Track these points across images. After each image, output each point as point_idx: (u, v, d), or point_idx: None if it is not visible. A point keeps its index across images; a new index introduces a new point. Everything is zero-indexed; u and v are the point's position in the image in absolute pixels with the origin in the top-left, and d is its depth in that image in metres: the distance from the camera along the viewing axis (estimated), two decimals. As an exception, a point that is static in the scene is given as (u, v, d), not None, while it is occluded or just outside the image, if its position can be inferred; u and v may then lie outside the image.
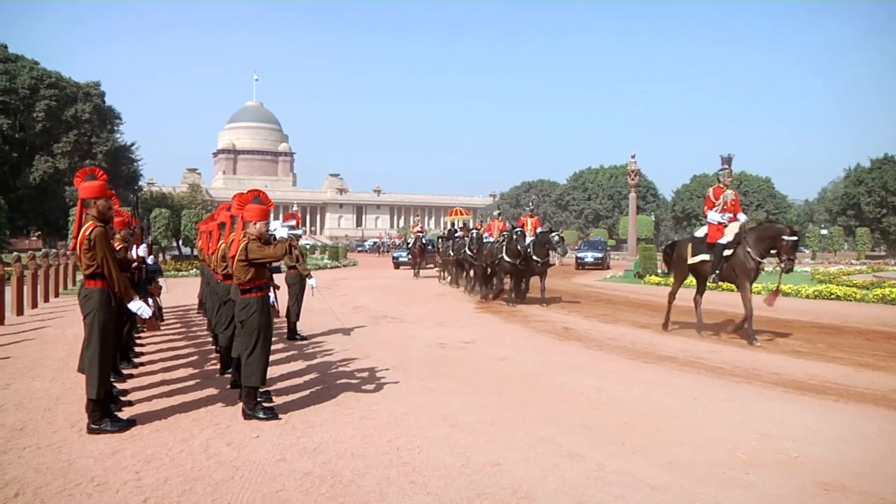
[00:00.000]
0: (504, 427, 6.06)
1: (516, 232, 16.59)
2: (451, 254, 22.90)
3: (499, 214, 22.90)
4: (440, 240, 27.20)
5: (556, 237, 16.65)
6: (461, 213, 32.66)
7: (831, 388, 7.74)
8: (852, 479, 4.81)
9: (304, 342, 10.78)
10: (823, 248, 61.10)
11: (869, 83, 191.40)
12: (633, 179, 33.37)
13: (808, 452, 5.42)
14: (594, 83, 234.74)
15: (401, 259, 37.91)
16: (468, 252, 19.73)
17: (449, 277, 24.75)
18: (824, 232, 61.83)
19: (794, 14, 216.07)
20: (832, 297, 18.34)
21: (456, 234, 24.32)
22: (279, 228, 6.48)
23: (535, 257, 16.91)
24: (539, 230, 17.54)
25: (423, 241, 30.22)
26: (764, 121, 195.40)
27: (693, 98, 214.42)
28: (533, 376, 8.39)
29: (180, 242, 40.28)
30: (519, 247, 16.35)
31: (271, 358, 7.14)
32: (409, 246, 30.48)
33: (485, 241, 19.30)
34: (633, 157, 33.51)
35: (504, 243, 17.05)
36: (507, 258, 16.80)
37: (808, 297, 18.61)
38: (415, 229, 31.63)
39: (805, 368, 8.80)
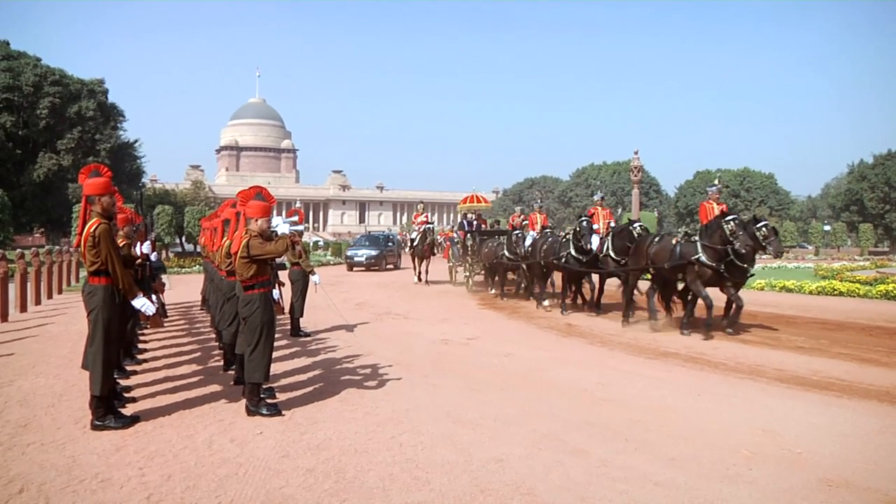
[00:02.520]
0: (507, 423, 6.06)
1: (581, 224, 13.91)
2: (468, 252, 20.26)
3: (540, 207, 19.34)
4: (461, 234, 22.38)
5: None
6: (479, 201, 24.41)
7: (835, 384, 7.73)
8: (856, 476, 4.81)
9: (308, 339, 10.79)
10: (826, 244, 60.93)
11: (872, 79, 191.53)
12: (635, 175, 33.23)
13: (811, 448, 5.42)
14: (597, 80, 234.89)
15: (356, 258, 31.43)
16: (510, 252, 16.68)
17: (481, 282, 20.41)
18: (827, 228, 61.65)
19: (796, 11, 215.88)
20: (835, 293, 18.28)
21: (475, 228, 21.52)
22: (281, 225, 6.49)
23: (612, 255, 13.69)
24: (610, 223, 15.10)
25: (432, 234, 23.91)
26: (767, 117, 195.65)
27: (696, 94, 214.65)
28: (536, 373, 8.39)
29: (183, 239, 40.33)
30: (585, 243, 13.69)
31: (275, 354, 7.15)
32: (413, 243, 23.61)
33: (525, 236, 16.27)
34: (635, 153, 33.31)
35: (568, 239, 14.35)
36: (575, 255, 13.96)
37: (811, 293, 18.57)
38: (418, 219, 24.63)
39: (808, 364, 8.78)
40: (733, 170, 79.41)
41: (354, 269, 31.07)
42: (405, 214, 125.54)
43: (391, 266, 32.59)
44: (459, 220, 24.40)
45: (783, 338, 10.95)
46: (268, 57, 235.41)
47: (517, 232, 16.55)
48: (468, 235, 20.94)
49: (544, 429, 5.89)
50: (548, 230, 16.28)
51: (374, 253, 31.51)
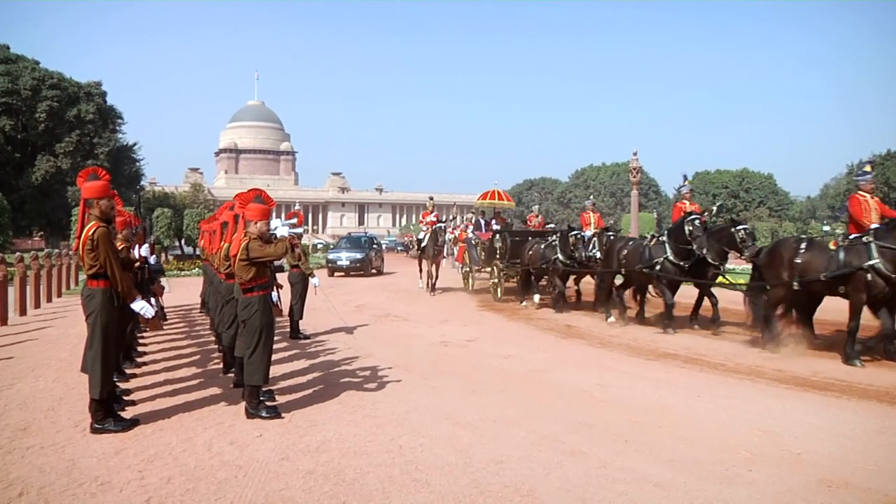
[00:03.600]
0: (507, 425, 6.06)
1: (694, 224, 11.34)
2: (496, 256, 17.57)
3: (593, 204, 17.55)
4: (481, 235, 19.50)
5: (743, 231, 10.99)
6: (501, 198, 20.91)
7: (834, 384, 7.73)
8: (855, 476, 4.81)
9: (307, 341, 10.79)
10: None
11: (871, 79, 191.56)
12: (634, 177, 33.16)
13: (810, 449, 5.42)
14: (596, 81, 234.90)
15: (338, 262, 28.34)
16: (565, 256, 14.47)
17: (527, 294, 16.77)
18: (826, 228, 61.60)
19: (796, 12, 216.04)
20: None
21: (506, 226, 19.71)
22: (280, 227, 6.49)
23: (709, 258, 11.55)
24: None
25: (444, 234, 20.30)
26: (766, 117, 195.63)
27: (695, 95, 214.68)
28: (535, 374, 8.39)
29: (182, 242, 40.31)
30: (698, 246, 11.19)
31: (274, 357, 7.16)
32: (421, 244, 20.34)
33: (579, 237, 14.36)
34: (634, 154, 33.21)
35: (662, 241, 12.04)
36: (673, 260, 11.71)
37: None
38: (427, 218, 20.94)
39: (808, 365, 8.79)
40: (732, 170, 79.51)
41: (335, 273, 27.90)
42: (404, 216, 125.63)
43: (374, 271, 29.75)
44: (475, 218, 21.63)
45: (781, 338, 10.89)
46: (266, 59, 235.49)
47: (577, 233, 14.30)
48: (496, 237, 17.77)
49: (544, 430, 5.89)
50: (610, 232, 14.32)
51: (357, 256, 28.63)
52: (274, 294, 6.99)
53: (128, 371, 8.12)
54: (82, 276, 7.27)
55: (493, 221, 20.02)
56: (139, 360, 8.94)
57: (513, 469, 4.91)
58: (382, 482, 4.66)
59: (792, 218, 71.99)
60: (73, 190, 43.49)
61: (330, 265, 28.47)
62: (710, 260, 11.44)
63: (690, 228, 11.28)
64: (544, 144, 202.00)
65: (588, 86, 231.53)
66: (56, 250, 29.16)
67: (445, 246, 21.32)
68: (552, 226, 22.07)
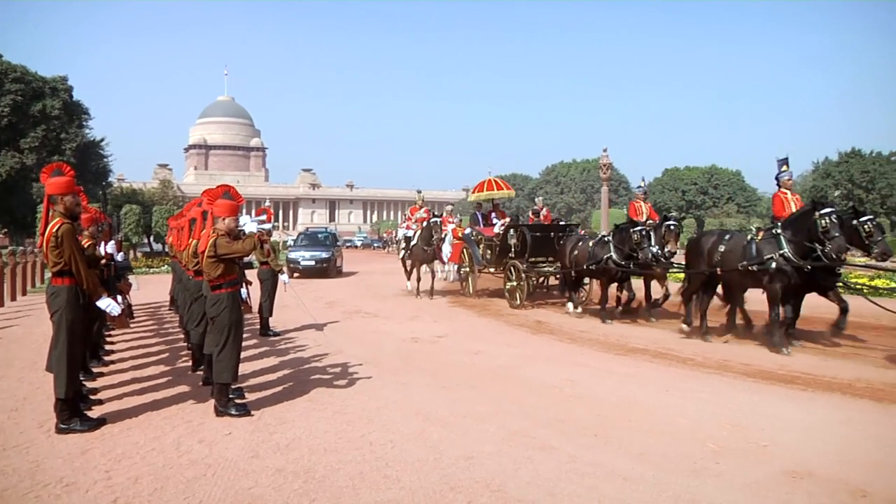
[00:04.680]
0: (477, 421, 6.07)
1: (829, 218, 8.94)
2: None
3: (644, 193, 14.81)
4: (485, 232, 17.05)
5: (870, 224, 8.96)
6: (499, 187, 18.11)
7: (800, 377, 7.83)
8: (819, 467, 4.88)
9: (277, 338, 10.74)
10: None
11: (835, 79, 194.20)
12: (605, 173, 33.21)
13: (776, 441, 5.49)
14: (567, 77, 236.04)
15: (303, 262, 24.85)
16: (620, 255, 12.19)
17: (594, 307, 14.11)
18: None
19: (765, 7, 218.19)
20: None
21: (520, 220, 17.91)
22: (248, 223, 6.45)
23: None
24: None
25: (440, 231, 17.07)
26: (734, 114, 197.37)
27: (664, 92, 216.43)
28: (506, 370, 8.41)
29: (151, 239, 39.90)
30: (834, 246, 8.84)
31: (244, 354, 7.12)
32: (410, 243, 18.00)
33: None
34: (604, 150, 33.27)
35: (777, 235, 9.54)
36: (793, 259, 9.25)
37: None
38: (416, 214, 19.01)
39: (774, 359, 8.89)
40: (702, 167, 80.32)
41: (295, 275, 23.53)
42: (375, 213, 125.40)
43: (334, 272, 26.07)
44: (473, 212, 19.17)
45: (749, 333, 11.04)
46: (236, 55, 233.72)
47: (641, 228, 11.72)
48: (511, 231, 15.49)
49: (514, 426, 5.91)
50: (672, 223, 11.93)
51: (323, 255, 25.17)
52: (243, 291, 6.93)
53: (95, 370, 8.03)
54: (47, 274, 7.17)
55: (493, 215, 17.85)
56: (106, 358, 8.83)
57: (483, 464, 4.92)
58: (353, 479, 4.65)
59: (759, 214, 72.85)
60: (38, 186, 42.76)
61: (291, 265, 24.43)
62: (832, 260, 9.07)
63: (825, 224, 8.87)
64: (515, 141, 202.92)
65: (559, 82, 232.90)
66: (21, 248, 28.70)
67: (444, 244, 17.71)
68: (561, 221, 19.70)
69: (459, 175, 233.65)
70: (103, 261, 7.69)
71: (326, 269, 24.95)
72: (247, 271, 7.95)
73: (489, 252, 16.56)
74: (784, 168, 10.62)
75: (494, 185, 18.20)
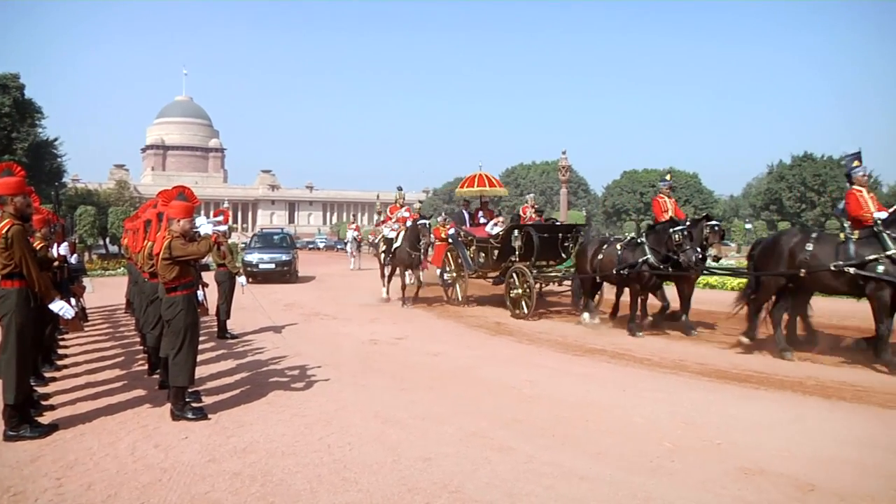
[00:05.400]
0: (436, 422, 6.09)
1: None
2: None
3: (670, 188, 14.26)
4: (476, 232, 15.33)
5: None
6: (491, 184, 16.59)
7: (753, 376, 7.98)
8: (770, 463, 4.99)
9: (235, 341, 10.64)
10: (748, 241, 62.85)
11: (790, 82, 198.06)
12: (564, 175, 33.49)
13: (729, 439, 5.60)
14: (526, 79, 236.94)
15: (262, 265, 22.89)
16: (658, 259, 10.88)
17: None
18: (749, 226, 63.58)
19: (721, 8, 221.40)
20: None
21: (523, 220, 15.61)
22: (204, 225, 6.39)
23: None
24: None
25: (428, 234, 14.99)
26: (691, 117, 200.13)
27: (622, 94, 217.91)
28: (465, 371, 8.45)
29: (107, 241, 39.23)
30: None
31: (201, 357, 7.06)
32: (392, 246, 16.15)
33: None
34: (563, 153, 33.55)
35: (858, 234, 8.67)
36: None
37: (733, 289, 18.91)
38: (396, 213, 17.42)
39: (728, 358, 9.05)
40: (660, 169, 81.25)
41: (250, 280, 18.36)
42: (335, 214, 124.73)
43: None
44: (458, 210, 17.14)
45: (705, 333, 11.24)
46: (195, 54, 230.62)
47: (682, 228, 10.49)
48: (515, 232, 13.79)
49: (472, 427, 5.93)
50: (716, 223, 11.22)
51: (283, 258, 23.30)
52: (199, 293, 6.86)
53: (47, 374, 7.88)
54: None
55: (481, 213, 16.28)
56: (59, 362, 8.67)
57: (441, 466, 4.94)
58: (311, 482, 4.63)
59: (716, 216, 74.04)
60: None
61: (248, 269, 22.02)
62: None
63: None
64: (475, 143, 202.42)
65: (518, 84, 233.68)
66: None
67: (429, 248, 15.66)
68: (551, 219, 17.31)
69: (420, 176, 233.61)
70: (56, 263, 7.55)
71: (287, 273, 23.23)
72: (203, 273, 7.88)
73: (482, 255, 14.86)
74: (856, 164, 9.52)
75: (486, 180, 16.51)
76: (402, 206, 17.60)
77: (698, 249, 10.45)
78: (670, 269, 10.83)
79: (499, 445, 5.43)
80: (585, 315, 12.26)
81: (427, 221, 15.23)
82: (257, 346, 10.20)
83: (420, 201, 23.44)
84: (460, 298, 15.53)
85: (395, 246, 15.90)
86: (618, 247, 11.71)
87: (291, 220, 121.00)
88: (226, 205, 70.68)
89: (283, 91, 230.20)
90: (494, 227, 15.18)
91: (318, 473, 4.79)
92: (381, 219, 20.22)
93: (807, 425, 6.02)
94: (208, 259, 9.40)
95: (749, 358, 9.04)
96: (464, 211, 16.60)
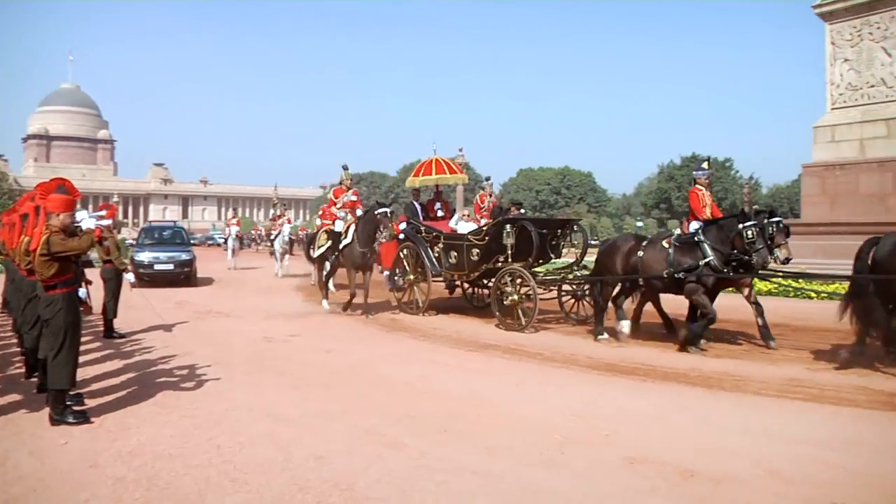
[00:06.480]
0: (328, 420, 6.05)
1: None
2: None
3: (708, 178, 11.37)
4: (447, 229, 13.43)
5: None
6: (451, 170, 14.51)
7: (640, 368, 8.26)
8: (655, 452, 5.17)
9: (122, 340, 10.26)
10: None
11: (682, 86, 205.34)
12: (461, 173, 33.86)
13: (617, 430, 5.77)
14: (423, 75, 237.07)
15: (157, 265, 19.35)
16: (719, 260, 9.22)
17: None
18: (640, 224, 65.90)
19: (616, 7, 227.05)
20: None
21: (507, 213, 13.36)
22: (86, 219, 6.14)
23: None
24: None
25: (389, 226, 12.62)
26: (586, 117, 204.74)
27: (518, 93, 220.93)
28: (359, 368, 8.42)
29: (-16, 236, 37.25)
30: None
31: (86, 358, 6.83)
32: (342, 242, 13.28)
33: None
34: (460, 150, 33.94)
35: None
36: None
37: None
38: (341, 197, 14.29)
39: (617, 352, 9.31)
40: (555, 168, 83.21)
41: (142, 280, 18.03)
42: (230, 209, 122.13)
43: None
44: (411, 203, 14.67)
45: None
46: (82, 40, 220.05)
47: (754, 223, 9.01)
48: (507, 227, 11.52)
49: (365, 423, 5.92)
50: (780, 220, 9.27)
51: (184, 257, 19.88)
52: (82, 291, 6.60)
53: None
54: None
55: (437, 205, 14.61)
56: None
57: (333, 464, 4.91)
58: (198, 484, 4.52)
59: (609, 214, 76.39)
60: None
61: (142, 270, 18.84)
62: None
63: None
64: (372, 138, 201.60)
65: (415, 81, 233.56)
66: None
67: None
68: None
69: (317, 172, 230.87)
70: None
71: (189, 275, 19.70)
72: (87, 270, 7.58)
73: (454, 254, 12.60)
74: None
75: (445, 166, 14.27)
76: (349, 189, 14.27)
77: (765, 251, 8.94)
78: (739, 271, 9.36)
79: (391, 442, 5.43)
80: (624, 324, 10.07)
81: (388, 209, 12.73)
82: (146, 345, 9.87)
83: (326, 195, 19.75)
84: (421, 305, 13.17)
85: (343, 243, 13.17)
86: (664, 245, 9.85)
87: (185, 216, 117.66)
88: (115, 199, 68.38)
89: (178, 82, 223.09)
90: (461, 222, 13.66)
91: (207, 475, 4.68)
92: (325, 205, 15.98)
93: (689, 415, 6.26)
94: (93, 255, 9.04)
95: (637, 351, 9.33)
96: (415, 202, 14.43)
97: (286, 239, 23.82)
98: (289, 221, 26.33)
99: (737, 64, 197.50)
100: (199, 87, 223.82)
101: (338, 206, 14.09)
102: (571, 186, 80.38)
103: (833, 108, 20.05)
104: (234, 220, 29.41)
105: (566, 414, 6.29)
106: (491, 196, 14.37)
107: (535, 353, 9.33)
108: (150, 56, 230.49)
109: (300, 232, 39.21)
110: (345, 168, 14.57)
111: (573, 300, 12.21)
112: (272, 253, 26.63)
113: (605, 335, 10.11)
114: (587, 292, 11.72)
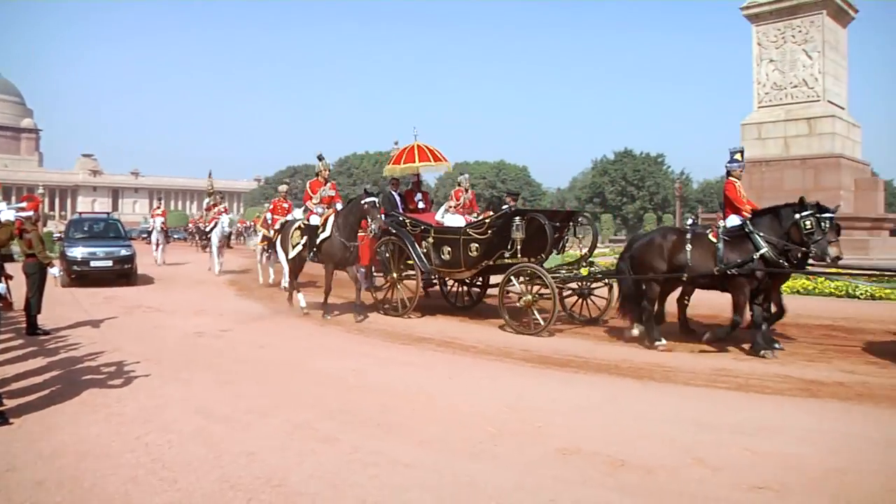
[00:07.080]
0: (260, 415, 5.99)
1: None
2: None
3: (741, 168, 9.85)
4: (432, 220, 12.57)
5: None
6: (436, 158, 13.24)
7: (573, 361, 8.37)
8: (587, 443, 5.26)
9: (47, 337, 9.94)
10: (573, 232, 66.14)
11: (616, 82, 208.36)
12: (396, 165, 33.73)
13: (550, 421, 5.85)
14: (356, 69, 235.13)
15: (94, 261, 17.41)
16: (775, 253, 8.61)
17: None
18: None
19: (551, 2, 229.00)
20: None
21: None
22: (4, 211, 5.95)
23: None
24: None
25: (378, 217, 11.58)
26: (521, 111, 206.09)
27: (451, 86, 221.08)
28: (291, 363, 8.36)
29: None
30: None
31: (7, 356, 6.65)
32: (320, 237, 12.03)
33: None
34: (395, 143, 33.66)
35: None
36: None
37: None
38: (319, 191, 12.76)
39: (551, 344, 9.43)
40: (490, 162, 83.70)
41: (74, 277, 17.13)
42: (163, 202, 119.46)
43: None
44: (389, 192, 13.66)
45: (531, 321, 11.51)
46: (4, 24, 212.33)
47: (811, 212, 8.44)
48: (516, 220, 10.65)
49: (298, 419, 5.88)
50: (832, 214, 8.57)
51: (123, 253, 18.04)
52: (1, 286, 6.37)
53: None
54: None
55: (418, 196, 13.78)
56: None
57: (265, 460, 4.86)
58: (125, 484, 4.42)
59: (544, 207, 77.21)
60: None
61: (76, 267, 17.23)
62: None
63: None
64: (307, 131, 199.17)
65: (349, 75, 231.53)
66: None
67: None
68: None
69: (252, 165, 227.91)
70: None
71: (129, 273, 18.05)
72: (7, 264, 7.31)
73: (448, 250, 11.59)
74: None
75: (429, 153, 13.04)
76: (325, 182, 12.85)
77: (825, 242, 8.32)
78: (797, 265, 8.87)
79: (324, 436, 5.40)
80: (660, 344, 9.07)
81: (375, 199, 11.56)
82: (72, 342, 9.58)
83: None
84: (408, 305, 12.09)
85: (321, 237, 12.02)
86: (712, 239, 8.99)
87: (116, 208, 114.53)
88: (40, 191, 66.20)
89: (109, 71, 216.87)
90: (448, 215, 12.82)
91: (134, 475, 4.58)
92: (276, 198, 15.98)
93: (620, 406, 6.39)
94: (14, 249, 8.74)
95: (570, 343, 9.46)
96: (393, 193, 13.39)
97: (225, 231, 21.51)
98: (226, 211, 23.44)
99: (670, 60, 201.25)
100: (130, 76, 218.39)
101: (314, 201, 12.68)
102: (507, 180, 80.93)
103: (760, 107, 20.90)
104: (160, 211, 26.44)
105: (499, 406, 6.34)
106: (467, 192, 13.28)
107: (469, 346, 9.40)
108: (79, 44, 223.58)
109: (238, 225, 36.84)
110: (320, 158, 13.10)
111: (578, 299, 11.53)
112: (205, 247, 25.38)
113: (664, 341, 9.06)
114: (593, 291, 11.39)
